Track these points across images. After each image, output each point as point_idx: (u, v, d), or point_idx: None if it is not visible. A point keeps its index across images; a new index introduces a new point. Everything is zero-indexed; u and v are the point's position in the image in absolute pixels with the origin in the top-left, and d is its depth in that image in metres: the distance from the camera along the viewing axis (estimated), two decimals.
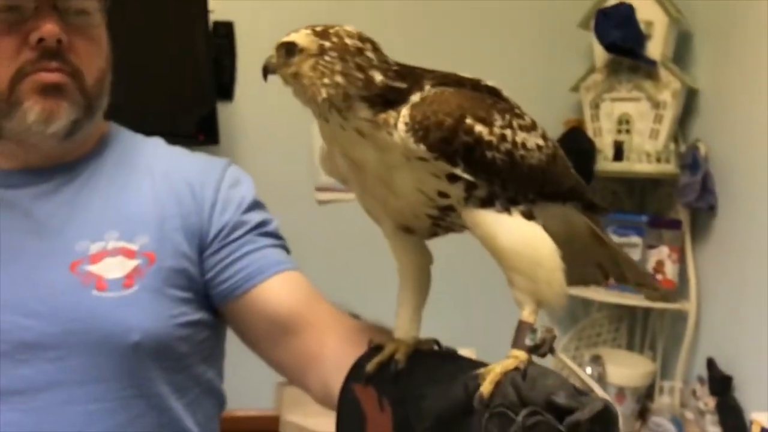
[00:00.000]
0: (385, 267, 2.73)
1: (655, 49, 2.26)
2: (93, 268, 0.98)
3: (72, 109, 0.99)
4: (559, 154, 0.76)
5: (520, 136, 0.69)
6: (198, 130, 2.09)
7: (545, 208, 0.74)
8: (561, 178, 0.75)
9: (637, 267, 0.82)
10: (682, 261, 2.33)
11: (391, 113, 0.67)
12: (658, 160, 2.28)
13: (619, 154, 2.31)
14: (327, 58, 0.68)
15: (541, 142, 0.72)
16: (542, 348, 0.64)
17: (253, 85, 2.40)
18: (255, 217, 1.08)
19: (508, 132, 0.68)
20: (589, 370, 2.35)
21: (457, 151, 0.66)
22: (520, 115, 0.72)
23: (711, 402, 2.19)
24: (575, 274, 0.75)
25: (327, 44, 0.69)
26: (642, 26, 2.24)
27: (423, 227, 0.75)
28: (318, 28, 0.70)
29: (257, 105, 2.37)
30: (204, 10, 2.14)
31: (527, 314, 0.66)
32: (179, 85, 2.12)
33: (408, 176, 0.68)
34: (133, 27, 1.92)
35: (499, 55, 2.55)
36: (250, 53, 2.40)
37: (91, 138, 1.07)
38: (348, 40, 0.69)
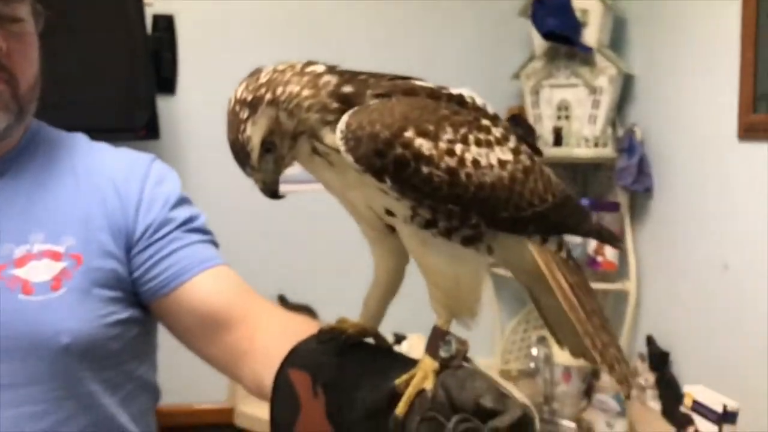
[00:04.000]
0: (332, 260, 2.75)
1: (591, 36, 2.31)
2: (19, 272, 0.97)
3: (4, 116, 0.98)
4: (537, 170, 0.69)
5: (473, 152, 0.64)
6: (138, 125, 2.06)
7: (505, 237, 0.69)
8: (530, 199, 0.68)
9: (598, 349, 0.68)
10: (624, 244, 2.40)
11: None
12: (596, 144, 2.34)
13: (558, 139, 2.36)
14: (283, 97, 0.64)
15: (506, 157, 0.67)
16: (455, 360, 0.65)
17: (194, 77, 2.40)
18: (182, 213, 1.09)
19: (457, 147, 0.63)
20: (535, 351, 2.41)
21: (387, 167, 0.61)
22: (485, 128, 0.66)
23: (651, 377, 2.27)
24: (577, 343, 0.73)
25: (269, 96, 0.64)
26: (578, 14, 2.29)
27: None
28: (251, 87, 0.64)
29: (200, 98, 2.35)
30: (139, 3, 2.11)
31: (442, 322, 0.68)
32: (117, 80, 2.09)
33: (359, 193, 0.66)
34: (68, 24, 1.89)
35: (441, 45, 2.58)
36: (192, 46, 2.38)
37: (15, 137, 1.06)
38: (280, 75, 0.65)
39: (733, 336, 1.93)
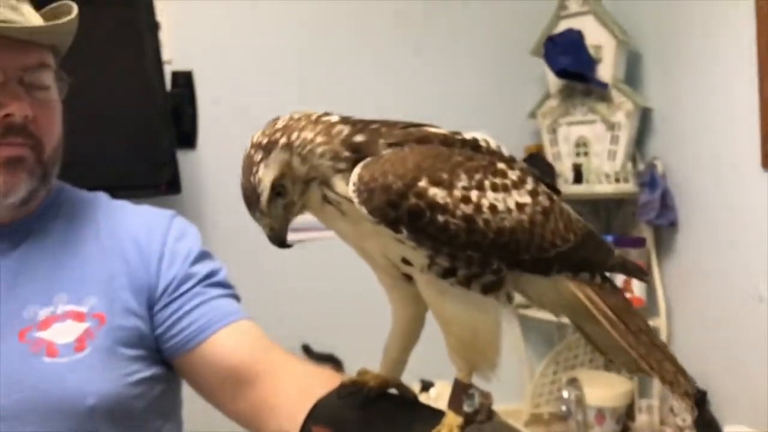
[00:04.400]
0: (356, 306, 2.72)
1: (605, 71, 2.31)
2: (43, 335, 0.97)
3: (30, 181, 1.00)
4: (557, 210, 0.69)
5: (490, 198, 0.64)
6: (159, 181, 2.08)
7: (530, 278, 0.68)
8: (552, 240, 0.67)
9: (655, 366, 0.68)
10: (652, 279, 2.35)
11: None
12: (617, 180, 2.32)
13: (578, 176, 2.35)
14: (297, 143, 0.64)
15: (524, 200, 0.66)
16: (480, 414, 0.64)
17: (214, 132, 2.43)
18: (203, 268, 1.09)
19: (473, 194, 0.63)
20: (566, 393, 2.35)
21: (401, 217, 0.61)
22: (501, 172, 0.66)
23: (689, 418, 2.20)
24: (629, 359, 0.71)
25: (284, 140, 0.64)
26: (591, 50, 2.30)
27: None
28: (267, 132, 0.65)
29: (219, 152, 2.37)
30: (159, 61, 2.16)
31: (462, 375, 0.67)
32: (138, 137, 2.12)
33: (375, 243, 0.65)
34: (88, 83, 1.94)
35: (455, 87, 2.59)
36: (211, 101, 2.41)
37: (39, 199, 1.08)
38: (295, 122, 0.66)
39: None
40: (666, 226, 2.28)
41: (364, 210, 0.62)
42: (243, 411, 1.03)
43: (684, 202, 2.25)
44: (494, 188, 0.65)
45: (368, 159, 0.64)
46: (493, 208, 0.64)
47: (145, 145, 2.13)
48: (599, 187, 2.33)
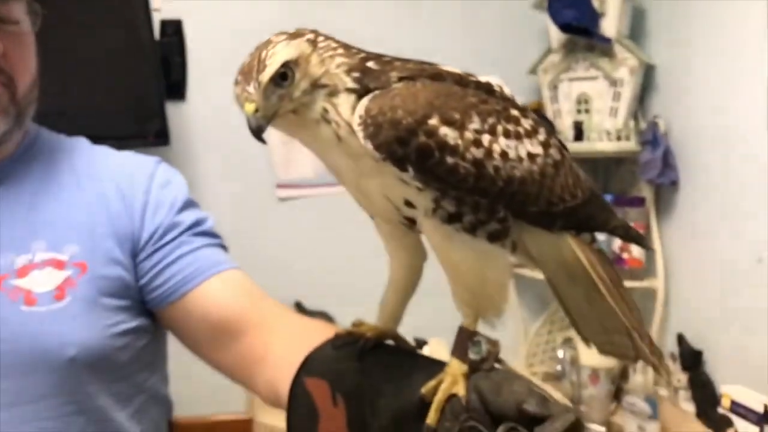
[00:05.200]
0: (348, 264, 2.71)
1: (609, 26, 2.24)
2: (21, 282, 0.93)
3: (4, 121, 0.95)
4: (567, 165, 0.67)
5: (502, 144, 0.61)
6: (147, 132, 2.03)
7: (534, 231, 0.66)
8: (561, 194, 0.65)
9: (646, 342, 0.68)
10: (647, 238, 2.32)
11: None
12: (618, 138, 2.27)
13: (579, 134, 2.29)
14: (322, 44, 0.61)
15: (537, 150, 0.63)
16: (487, 362, 0.61)
17: (204, 83, 2.36)
18: (189, 216, 1.04)
19: (485, 138, 0.60)
20: (561, 353, 2.34)
21: (409, 155, 0.58)
22: (515, 119, 0.63)
23: (683, 378, 2.19)
24: (604, 341, 0.71)
25: (311, 36, 0.62)
26: (595, 4, 2.22)
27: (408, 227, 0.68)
28: (285, 33, 0.62)
29: (210, 103, 2.32)
30: (147, 10, 2.08)
31: (468, 322, 0.63)
32: (126, 87, 2.06)
33: (375, 181, 0.62)
34: (74, 31, 1.86)
35: (455, 41, 2.52)
36: (201, 51, 2.34)
37: (14, 142, 1.02)
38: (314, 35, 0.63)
39: None
40: (667, 186, 2.24)
41: (369, 145, 0.58)
42: (231, 363, 0.99)
43: (686, 162, 2.20)
44: (506, 134, 0.62)
45: (377, 91, 0.60)
46: (504, 154, 0.61)
47: (132, 96, 2.07)
48: (600, 144, 2.28)
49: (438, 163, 0.58)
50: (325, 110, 0.60)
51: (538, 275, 0.71)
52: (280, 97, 0.59)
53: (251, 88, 0.58)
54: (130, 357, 1.00)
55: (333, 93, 0.60)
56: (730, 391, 1.74)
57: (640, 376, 2.31)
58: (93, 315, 0.95)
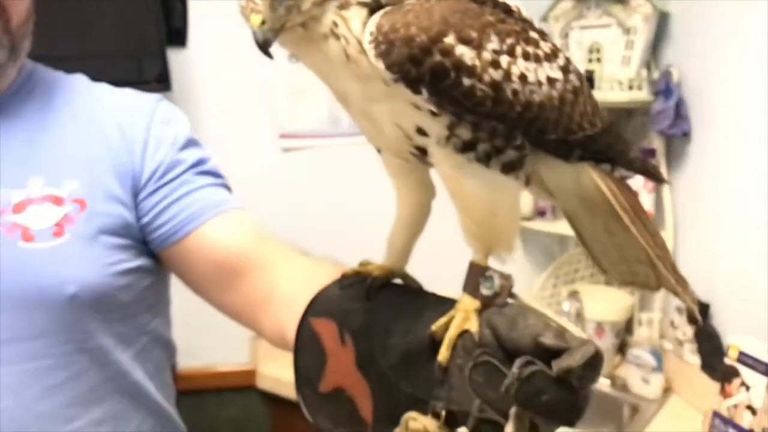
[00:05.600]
0: (352, 215, 2.68)
1: None
2: (18, 218, 0.91)
3: None
4: (586, 92, 0.65)
5: (521, 66, 0.58)
6: (148, 76, 1.98)
7: (551, 162, 0.63)
8: (581, 122, 0.63)
9: (666, 266, 0.67)
10: (657, 190, 2.28)
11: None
12: (631, 87, 2.22)
13: (590, 83, 2.23)
14: None
15: (556, 74, 0.61)
16: (500, 297, 0.59)
17: (206, 29, 2.30)
18: (191, 155, 1.02)
19: (503, 59, 0.57)
20: (567, 306, 2.33)
21: (423, 76, 0.55)
22: (534, 41, 0.60)
23: (689, 331, 2.18)
24: (624, 271, 0.71)
25: None
26: None
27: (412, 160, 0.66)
28: None
29: (211, 49, 2.26)
30: None
31: (479, 258, 0.61)
32: (125, 31, 2.01)
33: (385, 106, 0.59)
34: None
35: None
36: None
37: (8, 77, 0.99)
38: None
39: None
40: (679, 137, 2.19)
41: (381, 64, 0.55)
42: (236, 303, 0.98)
43: (699, 113, 2.15)
44: (526, 57, 0.59)
45: (389, 7, 0.56)
46: (523, 77, 0.58)
47: (133, 39, 2.02)
48: (612, 94, 2.23)
49: (453, 84, 0.55)
50: (335, 24, 0.57)
51: (544, 227, 0.69)
52: (288, 9, 0.55)
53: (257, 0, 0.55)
54: (133, 297, 0.98)
55: (344, 6, 0.57)
56: (737, 342, 1.72)
57: (646, 329, 2.31)
58: (93, 252, 0.93)
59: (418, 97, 0.56)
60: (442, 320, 0.60)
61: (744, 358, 1.69)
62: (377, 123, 0.62)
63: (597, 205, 0.67)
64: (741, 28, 1.95)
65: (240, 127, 2.36)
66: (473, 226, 0.62)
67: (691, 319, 2.16)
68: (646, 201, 2.24)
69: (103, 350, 0.95)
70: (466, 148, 0.59)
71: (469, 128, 0.58)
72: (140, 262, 0.99)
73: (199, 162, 1.02)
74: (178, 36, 2.19)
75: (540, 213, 2.50)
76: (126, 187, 0.97)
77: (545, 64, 0.61)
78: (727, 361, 1.75)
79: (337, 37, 0.57)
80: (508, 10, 0.61)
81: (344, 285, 0.72)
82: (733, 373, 1.72)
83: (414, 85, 0.55)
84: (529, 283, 2.62)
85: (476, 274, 0.61)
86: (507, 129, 0.59)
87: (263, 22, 0.55)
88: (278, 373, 2.28)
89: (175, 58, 2.20)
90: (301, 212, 2.41)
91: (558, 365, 0.51)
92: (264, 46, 0.56)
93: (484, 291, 0.60)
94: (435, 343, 0.60)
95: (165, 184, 0.99)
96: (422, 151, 0.62)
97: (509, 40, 0.58)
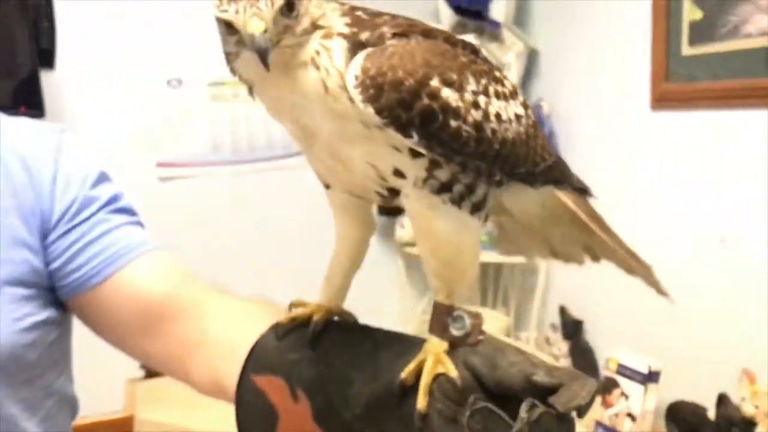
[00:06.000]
0: (230, 245, 2.58)
1: (498, 11, 2.31)
2: None
3: None
4: (538, 127, 0.67)
5: (495, 106, 0.59)
6: (18, 101, 1.81)
7: (516, 190, 0.65)
8: (542, 153, 0.65)
9: (631, 257, 0.73)
10: None
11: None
12: None
13: None
14: None
15: (520, 111, 0.62)
16: (471, 337, 0.57)
17: (76, 50, 2.15)
18: (105, 191, 0.92)
19: (481, 99, 0.58)
20: None
21: (413, 120, 0.54)
22: (500, 80, 0.61)
23: (564, 346, 2.33)
24: (559, 251, 0.74)
25: None
26: None
27: (373, 200, 0.65)
28: None
29: (83, 73, 2.12)
30: None
31: (443, 297, 0.60)
32: None
33: (361, 148, 0.58)
34: None
35: None
36: (71, 16, 2.13)
37: None
38: None
39: (646, 298, 2.00)
40: None
41: (369, 109, 0.53)
42: (161, 351, 0.89)
43: (567, 143, 2.33)
44: (497, 96, 0.60)
45: (370, 49, 0.55)
46: (498, 116, 0.59)
47: (2, 62, 1.84)
48: None
49: (441, 126, 0.55)
50: (317, 53, 0.55)
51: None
52: (285, 28, 0.53)
53: (262, 5, 0.52)
54: (39, 355, 0.87)
55: (327, 36, 0.55)
56: (616, 355, 1.86)
57: (522, 347, 2.43)
58: None
59: (408, 140, 0.55)
60: (411, 366, 0.58)
61: (623, 370, 1.83)
62: (346, 162, 0.61)
63: (563, 219, 0.71)
64: (612, 60, 2.13)
65: (115, 155, 2.22)
66: (439, 265, 0.61)
67: (567, 335, 2.31)
68: None
69: (10, 420, 0.83)
70: (442, 189, 0.59)
71: (447, 170, 0.58)
72: (47, 313, 0.87)
73: (114, 199, 0.93)
74: (46, 57, 2.03)
75: None
76: (32, 228, 0.86)
77: (511, 102, 0.62)
78: (607, 373, 1.89)
79: (317, 66, 0.55)
80: (474, 51, 0.63)
81: (280, 334, 0.68)
82: (612, 384, 1.86)
83: (404, 129, 0.55)
84: (413, 307, 2.68)
85: (443, 314, 0.60)
86: (487, 166, 0.60)
87: (266, 30, 0.52)
88: (160, 418, 2.14)
89: (45, 81, 2.04)
90: (177, 243, 2.30)
91: (564, 405, 0.51)
92: (263, 54, 0.52)
93: (455, 332, 0.58)
94: (405, 389, 0.57)
95: (78, 224, 0.88)
96: (392, 192, 0.62)
97: (483, 81, 0.59)
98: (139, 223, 0.96)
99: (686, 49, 1.87)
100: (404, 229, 2.66)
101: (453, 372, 0.56)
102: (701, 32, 1.84)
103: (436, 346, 0.58)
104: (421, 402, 0.56)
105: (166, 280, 0.90)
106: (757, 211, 1.77)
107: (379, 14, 0.59)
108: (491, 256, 2.48)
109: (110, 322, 0.90)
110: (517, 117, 0.62)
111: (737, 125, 1.82)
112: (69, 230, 0.88)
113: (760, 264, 1.75)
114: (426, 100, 0.54)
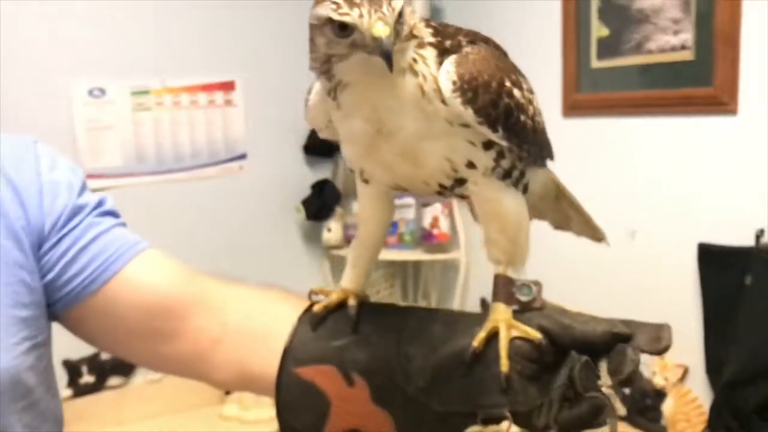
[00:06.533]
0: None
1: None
2: None
3: None
4: None
5: (534, 100, 0.68)
6: None
7: (533, 171, 0.73)
8: (548, 140, 0.74)
9: (588, 220, 0.84)
10: (452, 215, 2.57)
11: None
12: None
13: None
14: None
15: (537, 105, 0.70)
16: (536, 301, 0.65)
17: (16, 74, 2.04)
18: (90, 197, 0.90)
19: (531, 96, 0.67)
20: None
21: (499, 116, 0.62)
22: (523, 76, 0.69)
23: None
24: (579, 230, 0.85)
25: None
26: None
27: (424, 192, 0.70)
28: None
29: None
30: None
31: (502, 269, 0.67)
32: None
33: (440, 145, 0.63)
34: None
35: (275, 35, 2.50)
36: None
37: None
38: None
39: (565, 290, 2.18)
40: None
41: (469, 110, 0.61)
42: (177, 353, 0.85)
43: None
44: (530, 91, 0.69)
45: (455, 56, 0.62)
46: (536, 109, 0.69)
47: None
48: None
49: (516, 121, 0.64)
50: (414, 60, 0.61)
51: None
52: (398, 33, 0.57)
53: (386, 10, 0.55)
54: (37, 378, 0.83)
55: (421, 45, 0.61)
56: None
57: None
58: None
59: (495, 134, 0.62)
60: (482, 334, 0.62)
61: None
62: (418, 158, 0.64)
63: (557, 195, 0.82)
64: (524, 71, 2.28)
65: None
66: (505, 241, 0.68)
67: None
68: (444, 226, 2.52)
69: None
70: (505, 175, 0.66)
71: (509, 159, 0.65)
72: (44, 335, 0.85)
73: (100, 203, 0.90)
74: None
75: (348, 241, 2.64)
76: (23, 245, 0.82)
77: (534, 95, 0.69)
78: None
79: (415, 73, 0.60)
80: (504, 53, 0.69)
81: (315, 323, 0.71)
82: None
83: (493, 125, 0.62)
84: None
85: (507, 284, 0.65)
86: (534, 152, 0.69)
87: (389, 35, 0.55)
88: None
89: None
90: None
91: (653, 346, 0.60)
92: (390, 57, 0.56)
93: (522, 297, 0.64)
94: (474, 357, 0.61)
95: (70, 231, 0.84)
96: (456, 183, 0.67)
97: (521, 79, 0.67)
98: (125, 225, 0.94)
99: (595, 63, 2.07)
100: (330, 233, 2.72)
101: (535, 334, 0.62)
102: (608, 48, 2.05)
103: (503, 313, 0.64)
104: (504, 364, 0.60)
105: (170, 276, 0.87)
106: (660, 206, 1.99)
107: (445, 24, 0.67)
108: (409, 255, 2.62)
109: (115, 330, 0.86)
110: (537, 110, 0.71)
111: (641, 131, 2.05)
112: (61, 238, 0.84)
113: (665, 255, 1.97)
114: (506, 99, 0.63)
